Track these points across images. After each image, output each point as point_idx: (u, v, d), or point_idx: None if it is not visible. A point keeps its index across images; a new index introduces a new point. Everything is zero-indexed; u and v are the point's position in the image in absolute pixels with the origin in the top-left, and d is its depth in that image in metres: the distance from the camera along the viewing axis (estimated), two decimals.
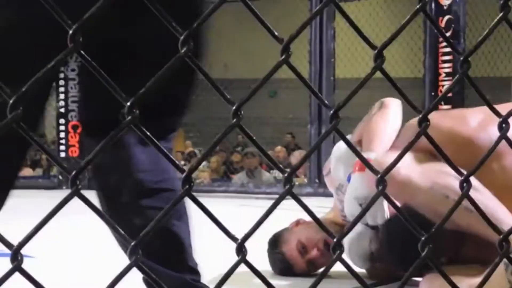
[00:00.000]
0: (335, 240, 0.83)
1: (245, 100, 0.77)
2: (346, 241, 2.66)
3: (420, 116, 0.90)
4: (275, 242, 3.18)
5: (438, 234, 0.94)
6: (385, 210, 2.60)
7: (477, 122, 2.41)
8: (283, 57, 0.80)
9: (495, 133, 1.04)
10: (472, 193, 0.96)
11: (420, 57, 8.86)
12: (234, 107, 0.77)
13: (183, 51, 0.75)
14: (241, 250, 0.77)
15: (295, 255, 3.11)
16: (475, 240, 2.18)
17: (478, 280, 2.07)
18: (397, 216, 2.32)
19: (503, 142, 1.00)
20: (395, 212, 2.34)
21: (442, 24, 7.96)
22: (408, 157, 2.26)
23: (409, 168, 2.27)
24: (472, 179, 0.96)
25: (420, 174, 2.27)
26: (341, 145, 2.91)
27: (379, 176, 0.86)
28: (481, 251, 2.15)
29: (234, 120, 0.78)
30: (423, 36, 8.50)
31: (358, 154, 0.89)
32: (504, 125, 0.99)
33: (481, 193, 2.14)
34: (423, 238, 0.90)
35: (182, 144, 18.36)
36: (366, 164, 0.92)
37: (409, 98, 0.97)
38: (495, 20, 0.98)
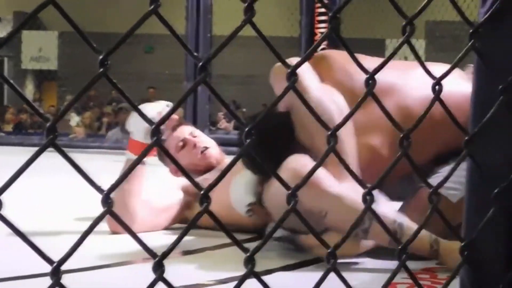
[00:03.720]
0: (202, 192, 0.83)
1: (112, 49, 0.76)
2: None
3: (289, 71, 0.91)
4: None
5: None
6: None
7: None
8: (152, 7, 0.79)
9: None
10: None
11: (297, 17, 8.93)
12: (101, 57, 0.76)
13: None
14: (106, 201, 0.76)
15: None
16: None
17: None
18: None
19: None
20: None
21: None
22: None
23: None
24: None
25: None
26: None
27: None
28: None
29: (101, 70, 0.76)
30: None
31: (226, 106, 0.89)
32: (370, 81, 1.01)
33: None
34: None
35: (55, 98, 17.94)
36: (233, 116, 0.92)
37: (280, 55, 0.97)
38: None
